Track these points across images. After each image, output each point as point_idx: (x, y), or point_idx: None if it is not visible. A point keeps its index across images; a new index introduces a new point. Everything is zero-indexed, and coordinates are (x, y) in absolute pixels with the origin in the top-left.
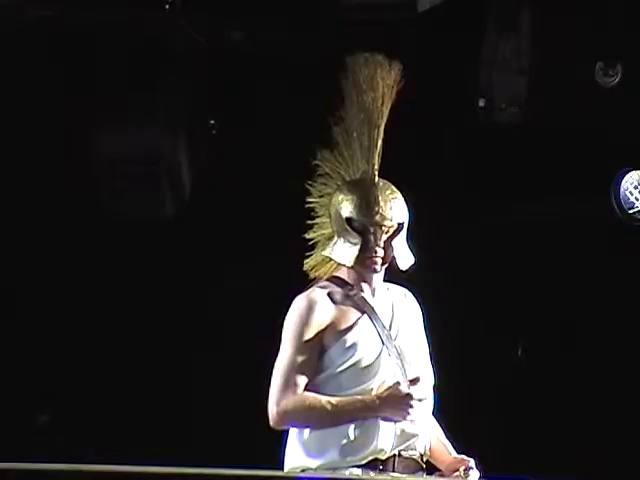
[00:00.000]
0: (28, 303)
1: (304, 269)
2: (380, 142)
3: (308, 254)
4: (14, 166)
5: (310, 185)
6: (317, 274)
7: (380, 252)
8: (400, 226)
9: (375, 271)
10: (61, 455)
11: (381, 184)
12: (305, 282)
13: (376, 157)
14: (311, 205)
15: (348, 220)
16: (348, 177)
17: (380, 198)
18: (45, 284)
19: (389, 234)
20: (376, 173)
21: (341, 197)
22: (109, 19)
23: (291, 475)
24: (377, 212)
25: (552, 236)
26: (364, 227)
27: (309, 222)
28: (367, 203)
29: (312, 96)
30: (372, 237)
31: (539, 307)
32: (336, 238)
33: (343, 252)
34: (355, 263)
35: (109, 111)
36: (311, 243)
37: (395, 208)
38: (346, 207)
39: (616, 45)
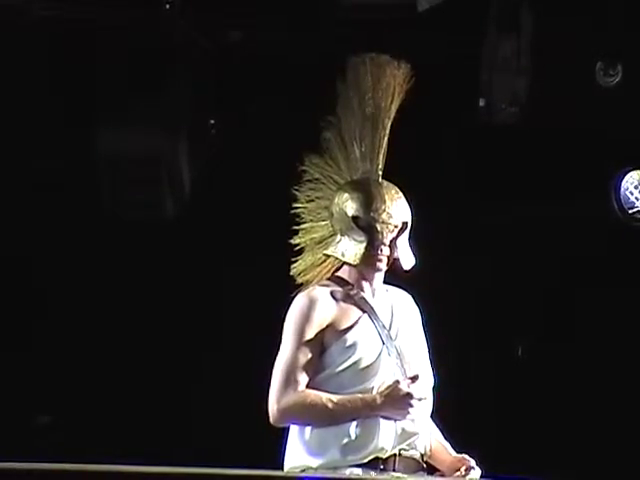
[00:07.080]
0: (28, 303)
1: (292, 274)
2: (386, 142)
3: (294, 259)
4: (14, 166)
5: (297, 190)
6: (305, 279)
7: (385, 250)
8: (404, 225)
9: (379, 270)
10: (61, 455)
11: (385, 184)
12: (304, 282)
13: (381, 157)
14: (297, 210)
15: (354, 218)
16: (343, 180)
17: (387, 197)
18: (45, 284)
19: (394, 233)
20: (380, 173)
21: (346, 196)
22: (109, 19)
23: (291, 475)
24: (384, 210)
25: (552, 236)
26: (370, 225)
27: (295, 227)
28: (374, 201)
29: (312, 96)
30: (378, 235)
31: (539, 307)
32: (339, 237)
33: (348, 250)
34: (360, 261)
35: (109, 111)
36: (297, 248)
37: (400, 207)
38: (352, 205)
39: (616, 45)
